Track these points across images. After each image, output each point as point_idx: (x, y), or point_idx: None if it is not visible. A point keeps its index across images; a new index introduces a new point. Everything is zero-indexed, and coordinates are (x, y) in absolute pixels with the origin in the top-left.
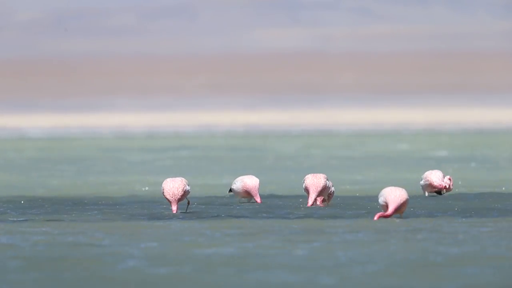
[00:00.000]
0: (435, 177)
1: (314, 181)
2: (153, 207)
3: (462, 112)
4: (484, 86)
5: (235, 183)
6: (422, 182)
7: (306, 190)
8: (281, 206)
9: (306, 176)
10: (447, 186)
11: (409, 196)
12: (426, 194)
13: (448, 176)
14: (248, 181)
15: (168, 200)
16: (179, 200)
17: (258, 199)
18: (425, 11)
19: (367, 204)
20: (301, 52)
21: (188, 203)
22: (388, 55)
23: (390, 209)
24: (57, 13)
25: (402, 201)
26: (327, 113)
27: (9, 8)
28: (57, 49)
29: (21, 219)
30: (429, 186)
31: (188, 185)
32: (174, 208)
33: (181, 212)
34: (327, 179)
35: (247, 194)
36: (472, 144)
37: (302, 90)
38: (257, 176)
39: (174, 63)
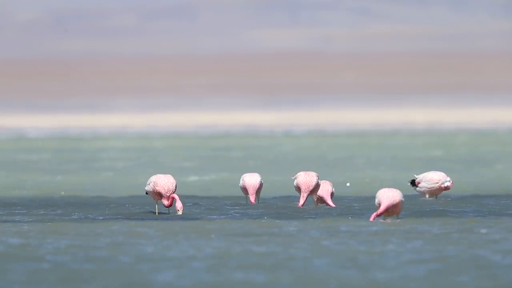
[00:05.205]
0: (443, 177)
1: (307, 179)
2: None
3: (462, 112)
4: (484, 86)
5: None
6: (426, 184)
7: (298, 188)
8: (273, 206)
9: (298, 174)
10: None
11: (403, 198)
12: (427, 196)
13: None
14: (247, 179)
15: (156, 195)
16: (168, 198)
17: (252, 199)
18: (425, 11)
19: (364, 204)
20: (301, 52)
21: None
22: (388, 55)
23: (382, 208)
24: (57, 13)
25: (394, 201)
26: (327, 113)
27: (9, 8)
28: (57, 49)
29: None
30: (437, 189)
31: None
32: (166, 203)
33: (158, 212)
34: (318, 178)
35: (247, 192)
36: (471, 144)
37: (302, 90)
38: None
39: (174, 63)
